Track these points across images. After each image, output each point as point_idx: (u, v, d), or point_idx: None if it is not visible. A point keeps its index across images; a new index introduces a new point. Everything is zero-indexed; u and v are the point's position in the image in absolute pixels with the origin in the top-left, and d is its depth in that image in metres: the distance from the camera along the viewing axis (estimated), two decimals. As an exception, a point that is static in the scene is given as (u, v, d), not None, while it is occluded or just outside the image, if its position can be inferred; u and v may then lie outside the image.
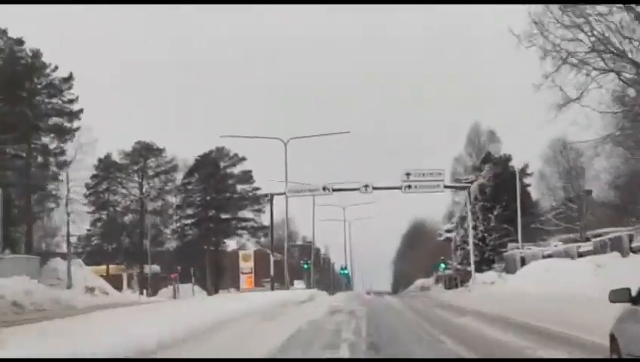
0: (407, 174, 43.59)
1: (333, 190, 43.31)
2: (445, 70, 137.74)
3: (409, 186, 43.68)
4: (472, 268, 46.53)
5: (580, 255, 34.77)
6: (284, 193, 44.08)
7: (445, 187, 49.25)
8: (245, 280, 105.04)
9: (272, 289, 44.14)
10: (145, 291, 78.95)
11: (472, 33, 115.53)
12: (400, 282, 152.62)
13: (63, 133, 56.32)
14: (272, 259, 43.30)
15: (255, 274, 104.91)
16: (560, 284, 28.83)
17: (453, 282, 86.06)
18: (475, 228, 60.90)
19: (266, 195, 74.55)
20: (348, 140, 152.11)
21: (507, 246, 51.60)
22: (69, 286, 55.45)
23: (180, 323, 11.59)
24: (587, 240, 39.19)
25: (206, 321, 13.27)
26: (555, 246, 38.43)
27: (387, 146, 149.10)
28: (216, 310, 17.20)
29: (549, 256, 38.27)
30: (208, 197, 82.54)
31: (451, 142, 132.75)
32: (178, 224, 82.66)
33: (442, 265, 66.34)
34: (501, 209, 59.65)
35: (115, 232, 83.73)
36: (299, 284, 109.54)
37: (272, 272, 44.01)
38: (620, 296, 7.21)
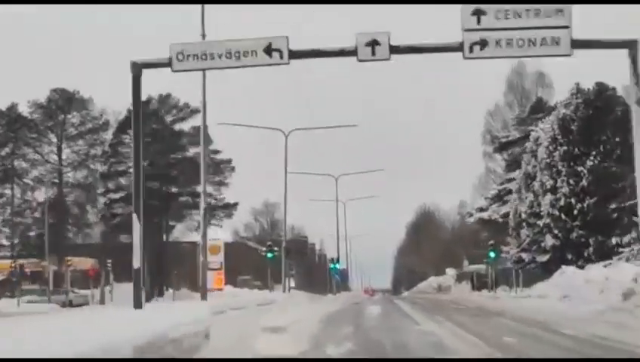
0: (478, 14, 16.07)
1: (292, 54, 15.24)
2: None
3: (482, 43, 16.06)
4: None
5: None
6: (167, 60, 16.10)
7: (576, 45, 18.69)
8: (213, 278, 77.42)
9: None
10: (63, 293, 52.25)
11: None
12: (402, 280, 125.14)
13: None
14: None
15: (227, 270, 77.75)
16: None
17: (483, 281, 58.68)
18: (552, 190, 33.07)
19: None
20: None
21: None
22: None
23: None
24: None
25: None
26: None
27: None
28: None
29: None
30: (146, 163, 54.47)
31: (482, 91, 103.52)
32: (104, 199, 54.95)
33: (492, 254, 37.95)
34: (600, 156, 31.83)
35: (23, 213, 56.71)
36: (289, 282, 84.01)
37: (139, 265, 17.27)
38: None
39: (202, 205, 23.36)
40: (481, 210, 53.58)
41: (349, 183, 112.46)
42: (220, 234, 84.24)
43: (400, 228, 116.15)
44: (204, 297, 21.86)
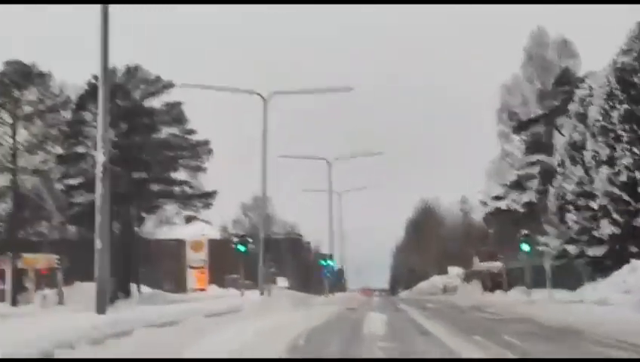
0: None
1: None
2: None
3: None
4: None
5: None
6: None
7: None
8: (195, 277, 68.71)
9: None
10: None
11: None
12: (401, 279, 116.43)
13: None
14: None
15: (212, 268, 69.22)
16: None
17: (496, 280, 50.41)
18: (610, 162, 24.43)
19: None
20: None
21: None
22: None
23: None
24: None
25: None
26: None
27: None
28: None
29: None
30: (111, 144, 45.84)
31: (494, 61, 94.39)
32: (61, 187, 46.15)
33: (525, 246, 28.68)
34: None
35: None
36: (282, 282, 76.17)
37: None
38: None
39: (100, 167, 14.73)
40: (498, 198, 44.90)
41: (345, 171, 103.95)
42: (208, 230, 75.54)
43: (398, 224, 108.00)
44: (101, 309, 13.08)
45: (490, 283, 51.30)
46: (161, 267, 61.06)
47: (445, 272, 73.58)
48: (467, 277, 59.42)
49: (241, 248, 29.20)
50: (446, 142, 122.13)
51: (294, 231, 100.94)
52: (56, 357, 8.56)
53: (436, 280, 69.32)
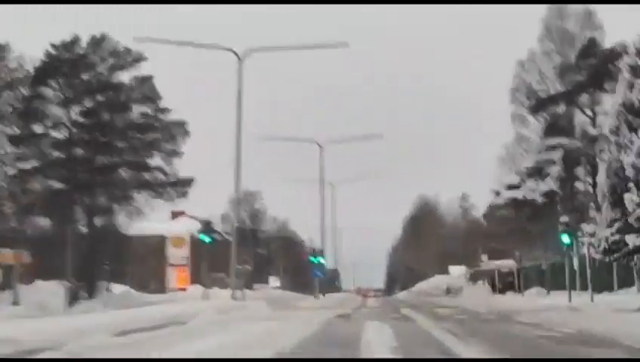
0: None
1: None
2: None
3: None
4: None
5: None
6: None
7: None
8: (176, 276, 62.52)
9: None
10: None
11: None
12: (398, 279, 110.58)
13: None
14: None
15: (196, 266, 62.89)
16: None
17: (507, 281, 44.58)
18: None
19: None
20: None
21: None
22: None
23: None
24: None
25: None
26: None
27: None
28: None
29: None
30: (69, 123, 39.62)
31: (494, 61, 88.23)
32: (13, 171, 39.78)
33: (566, 238, 22.19)
34: None
35: None
36: (274, 282, 70.64)
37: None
38: None
39: None
40: (512, 187, 38.78)
41: (343, 171, 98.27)
42: (194, 226, 69.04)
43: (395, 223, 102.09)
44: None
45: (500, 284, 45.48)
46: (143, 265, 55.30)
47: (446, 271, 67.97)
48: (473, 277, 53.42)
49: (205, 239, 23.00)
50: (445, 142, 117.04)
51: (286, 228, 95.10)
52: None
53: (438, 280, 63.22)
